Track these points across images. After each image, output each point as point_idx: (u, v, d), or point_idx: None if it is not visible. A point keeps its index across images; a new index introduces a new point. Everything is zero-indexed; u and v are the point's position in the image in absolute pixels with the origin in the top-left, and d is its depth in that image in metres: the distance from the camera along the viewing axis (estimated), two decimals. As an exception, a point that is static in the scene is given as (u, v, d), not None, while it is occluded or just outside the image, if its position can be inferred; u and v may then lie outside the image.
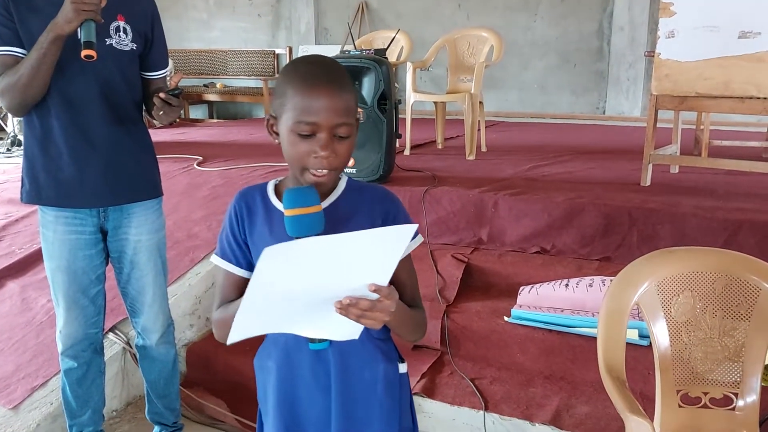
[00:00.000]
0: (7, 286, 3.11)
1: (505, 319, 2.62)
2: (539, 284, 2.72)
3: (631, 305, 1.70)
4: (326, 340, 1.15)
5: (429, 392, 2.37)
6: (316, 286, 1.02)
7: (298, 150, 1.12)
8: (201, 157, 4.43)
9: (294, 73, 1.15)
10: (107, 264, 2.14)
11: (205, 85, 7.81)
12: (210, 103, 8.21)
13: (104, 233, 2.07)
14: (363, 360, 1.22)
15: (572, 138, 5.32)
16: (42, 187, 1.99)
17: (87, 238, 2.03)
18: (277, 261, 0.97)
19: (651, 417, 1.65)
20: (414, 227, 1.00)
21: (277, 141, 1.18)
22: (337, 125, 1.11)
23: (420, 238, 1.23)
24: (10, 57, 1.87)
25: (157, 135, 5.55)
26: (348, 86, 1.15)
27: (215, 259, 1.24)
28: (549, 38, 6.85)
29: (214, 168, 4.16)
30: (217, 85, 7.73)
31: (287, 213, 1.08)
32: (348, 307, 1.02)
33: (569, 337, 2.48)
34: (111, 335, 2.66)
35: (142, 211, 2.08)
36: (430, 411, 2.34)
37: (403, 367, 1.29)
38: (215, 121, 7.92)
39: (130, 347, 2.58)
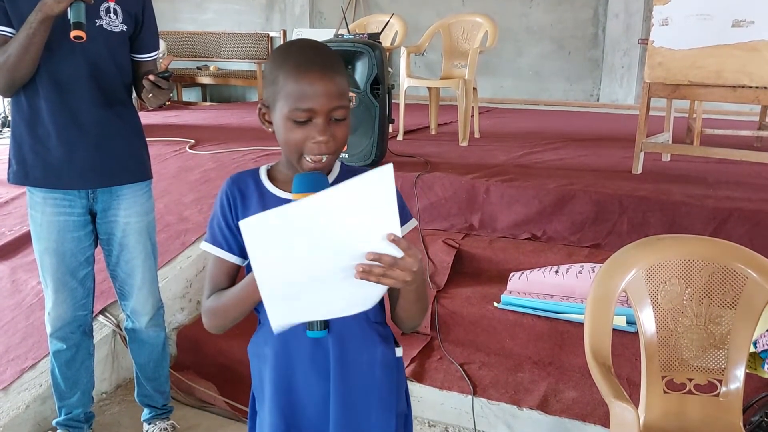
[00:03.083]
0: (-3, 268, 3.10)
1: (495, 305, 2.63)
2: (529, 270, 2.73)
3: (619, 292, 1.71)
4: (326, 328, 1.14)
5: (418, 377, 2.39)
6: (324, 255, 0.99)
7: (295, 137, 1.11)
8: (193, 140, 4.41)
9: (285, 59, 1.13)
10: (96, 246, 2.13)
11: (198, 68, 7.76)
12: (203, 86, 8.16)
13: (93, 215, 2.07)
14: (361, 344, 1.21)
15: (566, 125, 5.31)
16: (29, 168, 1.97)
17: (76, 219, 2.03)
18: (262, 232, 0.96)
19: (636, 402, 1.67)
20: (389, 166, 0.97)
21: (270, 130, 1.17)
22: (334, 109, 1.10)
23: (414, 221, 1.23)
24: (-1, 37, 1.85)
25: (149, 118, 5.58)
26: (340, 68, 1.14)
27: (206, 246, 1.21)
28: (544, 25, 6.82)
29: (207, 151, 4.15)
30: (211, 68, 7.68)
31: (296, 198, 1.06)
32: (371, 268, 0.99)
33: (558, 323, 2.49)
34: (101, 318, 2.65)
35: (131, 194, 2.07)
36: (419, 395, 2.36)
37: (399, 351, 1.28)
38: (208, 104, 7.87)
39: (120, 330, 2.58)
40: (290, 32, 7.56)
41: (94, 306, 2.31)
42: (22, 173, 2.00)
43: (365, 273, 1.00)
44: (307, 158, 1.12)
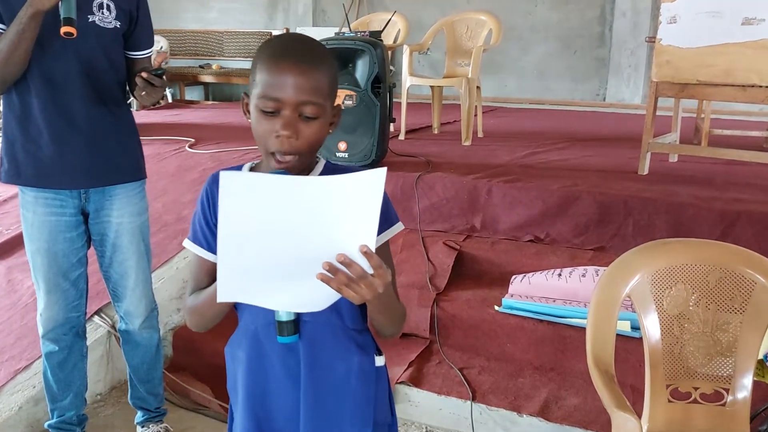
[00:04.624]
0: (-7, 267, 3.07)
1: (496, 308, 2.58)
2: (531, 273, 2.68)
3: (623, 297, 1.65)
4: (296, 333, 1.10)
5: (416, 381, 2.34)
6: (292, 240, 0.95)
7: (262, 128, 1.08)
8: (193, 139, 4.37)
9: (267, 47, 1.11)
10: (89, 247, 2.10)
11: (200, 66, 7.72)
12: (205, 85, 8.12)
13: (86, 215, 2.03)
14: (335, 352, 1.17)
15: (571, 125, 5.25)
16: (21, 167, 1.94)
17: (68, 219, 1.99)
18: (239, 191, 0.92)
19: (640, 411, 1.62)
20: (383, 170, 0.93)
21: (249, 120, 1.14)
22: (302, 103, 1.05)
23: (400, 225, 1.18)
24: (-12, 32, 1.81)
25: (150, 116, 5.55)
26: (322, 65, 1.09)
27: (187, 244, 1.19)
28: (549, 23, 6.76)
29: (206, 150, 4.11)
30: (213, 67, 7.65)
31: None
32: (337, 272, 0.95)
33: (560, 327, 2.44)
34: (96, 318, 2.62)
35: (124, 194, 2.03)
36: (416, 400, 2.31)
37: (380, 360, 1.23)
38: (210, 102, 7.83)
39: (116, 331, 2.54)
40: (293, 31, 7.52)
41: (90, 306, 2.28)
42: (14, 172, 1.96)
43: (328, 275, 0.95)
44: (276, 156, 1.08)
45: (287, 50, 1.08)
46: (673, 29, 3.05)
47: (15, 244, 3.16)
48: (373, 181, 0.93)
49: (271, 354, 1.17)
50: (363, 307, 1.14)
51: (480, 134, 4.47)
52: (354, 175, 0.93)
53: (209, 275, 1.16)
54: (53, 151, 1.91)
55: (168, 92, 6.99)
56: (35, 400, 2.31)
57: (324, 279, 0.96)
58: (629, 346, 2.18)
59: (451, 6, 6.54)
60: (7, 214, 3.46)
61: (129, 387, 2.27)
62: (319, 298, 1.04)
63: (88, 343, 2.30)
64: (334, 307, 1.12)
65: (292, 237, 0.95)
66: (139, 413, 2.27)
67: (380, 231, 1.12)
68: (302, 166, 1.12)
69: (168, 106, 6.53)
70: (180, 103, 7.16)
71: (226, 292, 1.01)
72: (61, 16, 1.72)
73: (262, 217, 0.94)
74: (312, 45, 1.12)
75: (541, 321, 2.49)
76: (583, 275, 2.57)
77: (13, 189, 3.60)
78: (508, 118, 5.72)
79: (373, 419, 1.21)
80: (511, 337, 2.48)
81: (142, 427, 2.26)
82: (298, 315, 1.12)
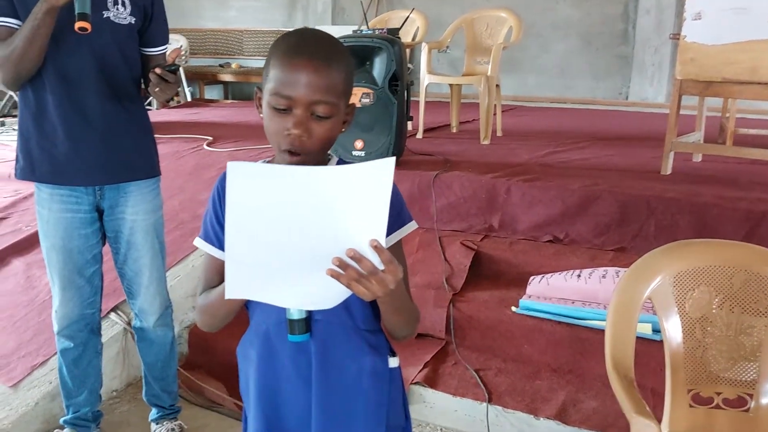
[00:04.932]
0: (12, 263, 3.10)
1: (513, 309, 2.54)
2: (550, 274, 2.63)
3: (643, 299, 1.61)
4: (307, 332, 1.09)
5: (431, 382, 2.31)
6: (300, 233, 0.93)
7: (273, 126, 1.06)
8: (211, 138, 4.38)
9: (281, 43, 1.08)
10: (104, 244, 2.10)
11: (220, 65, 7.76)
12: (225, 84, 8.16)
13: (101, 212, 2.03)
14: (346, 352, 1.14)
15: (592, 124, 5.18)
16: (36, 164, 1.95)
17: (82, 216, 1.99)
18: (245, 181, 0.90)
19: (660, 416, 1.57)
20: (391, 160, 0.91)
21: (261, 115, 1.11)
22: (315, 102, 1.03)
23: (413, 224, 1.15)
24: (4, 28, 1.83)
25: (169, 115, 5.57)
26: (337, 63, 1.06)
27: (198, 242, 1.17)
28: (571, 20, 6.68)
29: (224, 149, 4.11)
30: (233, 66, 7.68)
31: None
32: (347, 267, 0.92)
33: (579, 329, 2.39)
34: (112, 315, 2.63)
35: (139, 191, 2.03)
36: (431, 401, 2.28)
37: (394, 362, 1.20)
38: (229, 101, 7.87)
39: (131, 328, 2.55)
40: (313, 29, 7.51)
41: (106, 303, 2.28)
42: (29, 169, 1.97)
43: (338, 271, 0.93)
44: (288, 154, 1.06)
45: (302, 47, 1.06)
46: (698, 26, 2.98)
47: (34, 240, 3.17)
48: (382, 171, 0.91)
49: (282, 353, 1.15)
50: (376, 308, 1.12)
51: (499, 133, 4.42)
52: (362, 164, 0.91)
53: (220, 274, 1.13)
54: (68, 147, 1.92)
55: (187, 91, 7.02)
56: (51, 395, 2.32)
57: (334, 275, 0.94)
58: (651, 349, 2.12)
59: (471, 3, 6.47)
60: (27, 210, 3.49)
61: (143, 384, 2.27)
62: (329, 294, 1.02)
63: (105, 339, 2.32)
64: (345, 307, 1.09)
65: (300, 230, 0.93)
66: (154, 410, 2.27)
67: (393, 230, 1.10)
68: (314, 164, 1.10)
69: (187, 105, 6.56)
70: (199, 101, 7.19)
71: (234, 288, 0.99)
72: (76, 12, 1.72)
73: (269, 208, 0.92)
74: (327, 41, 1.09)
75: (560, 323, 2.44)
76: (603, 276, 2.52)
77: (33, 186, 3.65)
78: (527, 116, 5.66)
79: (387, 421, 1.19)
80: (529, 339, 2.44)
81: (157, 424, 2.26)
82: (310, 313, 1.10)
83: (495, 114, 4.31)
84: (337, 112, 1.07)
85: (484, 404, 2.21)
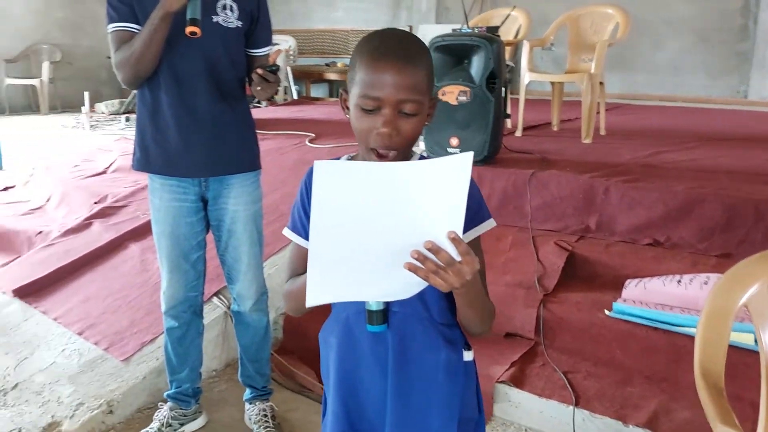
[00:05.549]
0: (129, 248, 3.36)
1: (606, 312, 2.47)
2: (648, 278, 2.54)
3: (738, 306, 1.53)
4: (384, 323, 1.12)
5: (517, 382, 2.30)
6: (381, 228, 0.97)
7: (362, 125, 1.10)
8: (313, 134, 4.53)
9: (365, 45, 1.12)
10: (208, 232, 2.24)
11: (326, 64, 7.99)
12: (330, 82, 8.39)
13: (205, 202, 2.17)
14: (423, 344, 1.17)
15: (703, 123, 4.91)
16: (151, 156, 2.10)
17: (189, 206, 2.14)
18: (330, 179, 0.94)
19: (756, 429, 1.49)
20: (470, 154, 0.93)
21: (347, 116, 1.16)
22: (402, 101, 1.07)
23: (491, 222, 1.16)
24: (126, 32, 1.98)
25: (276, 112, 5.81)
26: (420, 62, 1.09)
27: (286, 232, 1.24)
28: (685, 16, 6.35)
29: (325, 145, 4.25)
30: (338, 65, 7.88)
31: None
32: (425, 259, 0.96)
33: (675, 336, 2.29)
34: (215, 299, 2.79)
35: (240, 183, 2.15)
36: (517, 401, 2.27)
37: (468, 355, 1.22)
38: (333, 99, 8.08)
39: (230, 311, 2.70)
40: (416, 28, 7.56)
41: (210, 288, 2.42)
42: (145, 161, 2.13)
43: (417, 265, 0.96)
44: (376, 152, 1.10)
45: (385, 49, 1.09)
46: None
47: (149, 227, 3.39)
48: (460, 166, 0.93)
49: (362, 341, 1.19)
50: (452, 303, 1.14)
51: (602, 132, 4.29)
52: (440, 159, 0.94)
53: (305, 262, 1.20)
54: (178, 142, 2.06)
55: (294, 89, 7.28)
56: (158, 371, 2.50)
57: (412, 268, 0.97)
58: (750, 360, 2.01)
59: (578, 0, 6.32)
60: (144, 200, 3.75)
61: (239, 365, 2.39)
62: (406, 286, 1.05)
63: (207, 321, 2.46)
64: (422, 300, 1.12)
65: (381, 224, 0.96)
66: (248, 390, 2.40)
67: (471, 226, 1.12)
68: (401, 160, 1.14)
69: (293, 103, 6.81)
70: (305, 99, 7.44)
71: (314, 295, 1.03)
72: (187, 17, 1.85)
73: (352, 204, 0.95)
74: (409, 41, 1.12)
75: (655, 329, 2.35)
76: (705, 283, 2.40)
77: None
78: (633, 115, 5.44)
79: (460, 414, 1.21)
80: (621, 344, 2.37)
81: (250, 404, 2.38)
82: (387, 305, 1.14)
83: (598, 112, 4.18)
84: (422, 108, 1.10)
85: (571, 407, 2.16)
